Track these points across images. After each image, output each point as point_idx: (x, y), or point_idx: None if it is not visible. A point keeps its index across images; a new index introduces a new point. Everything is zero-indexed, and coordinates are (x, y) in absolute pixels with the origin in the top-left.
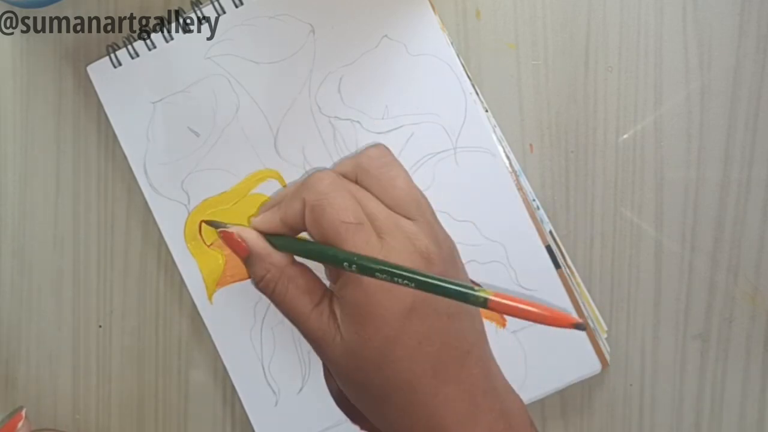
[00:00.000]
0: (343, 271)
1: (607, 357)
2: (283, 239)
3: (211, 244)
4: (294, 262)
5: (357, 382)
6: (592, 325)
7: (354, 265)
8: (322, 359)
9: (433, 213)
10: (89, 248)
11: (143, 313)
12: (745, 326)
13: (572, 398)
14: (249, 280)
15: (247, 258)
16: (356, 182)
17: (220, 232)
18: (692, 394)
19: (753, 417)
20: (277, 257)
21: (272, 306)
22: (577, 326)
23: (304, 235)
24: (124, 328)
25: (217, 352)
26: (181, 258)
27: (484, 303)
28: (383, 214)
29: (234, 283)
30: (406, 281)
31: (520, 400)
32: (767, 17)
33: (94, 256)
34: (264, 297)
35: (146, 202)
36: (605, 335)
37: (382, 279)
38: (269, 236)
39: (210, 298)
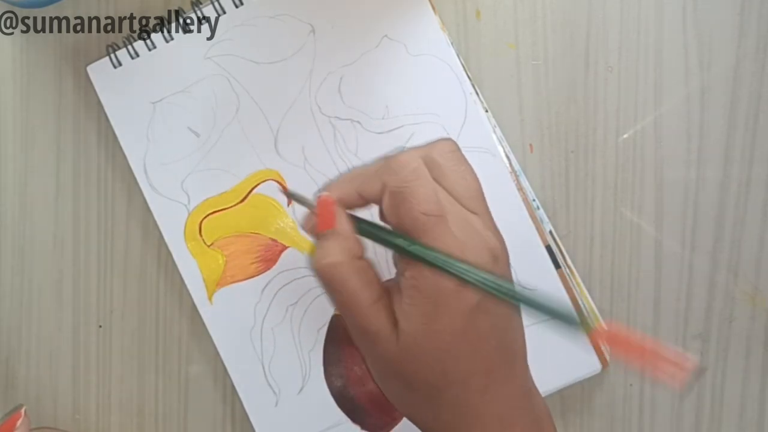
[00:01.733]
0: (415, 262)
1: (607, 357)
2: (366, 224)
3: (211, 244)
4: (364, 256)
5: (407, 378)
6: (592, 325)
7: (441, 265)
8: (369, 355)
9: (488, 207)
10: (89, 248)
11: (143, 313)
12: (745, 326)
13: (572, 398)
14: (249, 280)
15: (327, 233)
16: None
17: (320, 196)
18: (692, 394)
19: (753, 417)
20: (355, 245)
21: (272, 306)
22: (695, 374)
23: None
24: (124, 328)
25: (217, 352)
26: (181, 258)
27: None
28: (455, 209)
29: (234, 283)
30: (511, 299)
31: (548, 409)
32: (767, 17)
33: (94, 256)
34: (264, 297)
35: (146, 202)
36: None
37: (487, 292)
38: (355, 219)
39: (210, 298)
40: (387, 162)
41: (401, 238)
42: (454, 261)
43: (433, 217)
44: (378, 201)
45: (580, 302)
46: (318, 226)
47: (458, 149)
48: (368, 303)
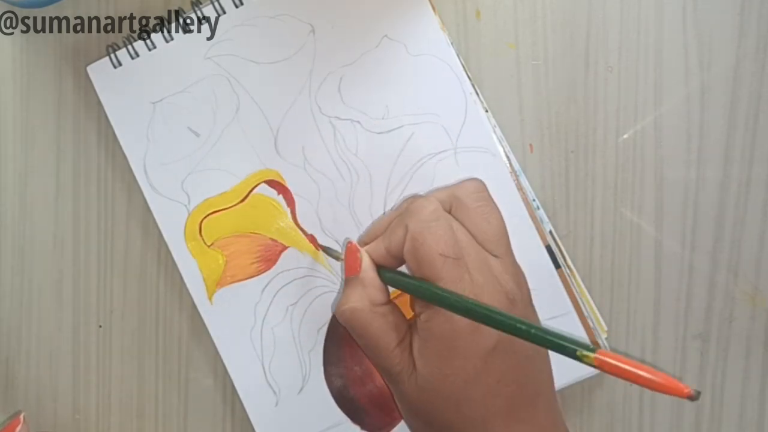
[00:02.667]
0: (431, 305)
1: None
2: (390, 273)
3: (212, 244)
4: (388, 302)
5: (428, 419)
6: (592, 324)
7: (452, 305)
8: (394, 392)
9: (512, 250)
10: (89, 248)
11: (143, 313)
12: (745, 326)
13: (572, 398)
14: (249, 280)
15: (351, 279)
16: (449, 212)
17: (348, 243)
18: None
19: (753, 417)
20: (377, 293)
21: (272, 306)
22: (691, 397)
23: None
24: (124, 328)
25: (217, 352)
26: (181, 258)
27: (590, 359)
28: (474, 250)
29: (234, 283)
30: (520, 334)
31: None
32: (767, 17)
33: (94, 256)
34: (264, 297)
35: (146, 202)
36: (605, 335)
37: (480, 322)
38: (379, 268)
39: (210, 298)
40: (407, 207)
41: (416, 280)
42: (467, 300)
43: (450, 259)
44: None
45: (580, 302)
46: (345, 272)
47: (485, 189)
48: (390, 346)
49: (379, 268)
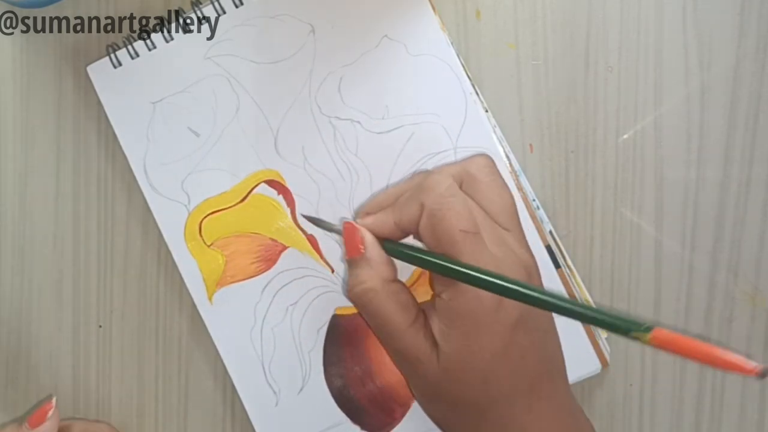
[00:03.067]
0: (455, 282)
1: (607, 357)
2: (394, 244)
3: (211, 244)
4: (396, 277)
5: (452, 399)
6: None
7: (480, 281)
8: (411, 377)
9: (521, 223)
10: (89, 248)
11: (143, 313)
12: (745, 326)
13: None
14: (249, 280)
15: (357, 259)
16: (460, 188)
17: (345, 223)
18: (692, 394)
19: (753, 417)
20: (386, 268)
21: (272, 306)
22: (760, 376)
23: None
24: (124, 328)
25: (217, 352)
26: (181, 258)
27: (646, 339)
28: (490, 226)
29: (234, 283)
30: (537, 303)
31: (593, 427)
32: (767, 17)
33: (94, 256)
34: (264, 297)
35: (146, 202)
36: (605, 335)
37: (508, 296)
38: (381, 240)
39: (210, 298)
40: (420, 183)
41: (441, 257)
42: (493, 276)
43: (470, 234)
44: (416, 227)
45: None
46: (347, 253)
47: (494, 164)
48: (405, 326)
49: (384, 242)
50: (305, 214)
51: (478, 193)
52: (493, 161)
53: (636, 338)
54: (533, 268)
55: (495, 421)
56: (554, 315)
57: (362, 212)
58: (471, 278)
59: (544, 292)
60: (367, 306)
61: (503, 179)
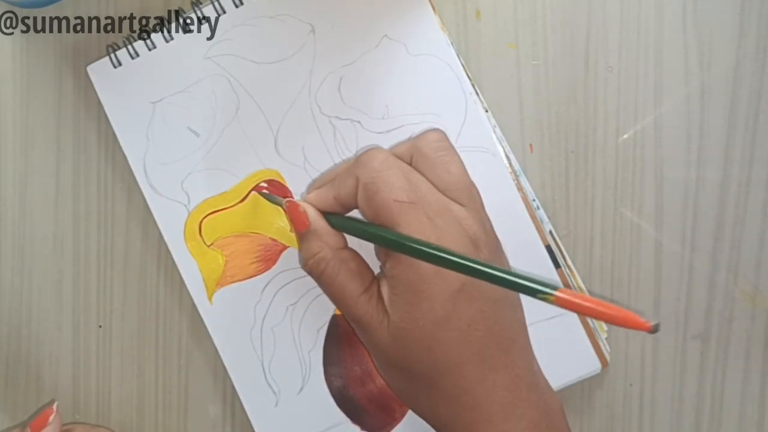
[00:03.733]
0: (395, 252)
1: (607, 357)
2: (338, 218)
3: (211, 244)
4: (347, 245)
5: (403, 368)
6: (592, 325)
7: (412, 251)
8: (367, 345)
9: (482, 205)
10: (89, 248)
11: (143, 313)
12: (745, 326)
13: (572, 398)
14: (249, 280)
15: (304, 233)
16: (410, 164)
17: (287, 201)
18: (692, 394)
19: (753, 417)
20: (334, 238)
21: (272, 306)
22: (651, 331)
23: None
24: (124, 328)
25: (217, 352)
26: (181, 258)
27: (551, 299)
28: (435, 197)
29: (234, 283)
30: (481, 275)
31: (560, 402)
32: (767, 17)
33: (94, 256)
34: (264, 297)
35: (146, 202)
36: (605, 335)
37: (442, 266)
38: (325, 214)
39: (210, 298)
40: (357, 158)
41: (375, 227)
42: (422, 243)
43: (405, 204)
44: (355, 201)
45: None
46: (294, 229)
47: (445, 139)
48: (358, 293)
49: (328, 215)
50: (263, 192)
51: (426, 168)
52: (444, 136)
53: (543, 299)
54: (482, 240)
55: (446, 390)
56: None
57: (309, 188)
58: (399, 246)
59: (471, 261)
60: (321, 276)
61: (455, 153)
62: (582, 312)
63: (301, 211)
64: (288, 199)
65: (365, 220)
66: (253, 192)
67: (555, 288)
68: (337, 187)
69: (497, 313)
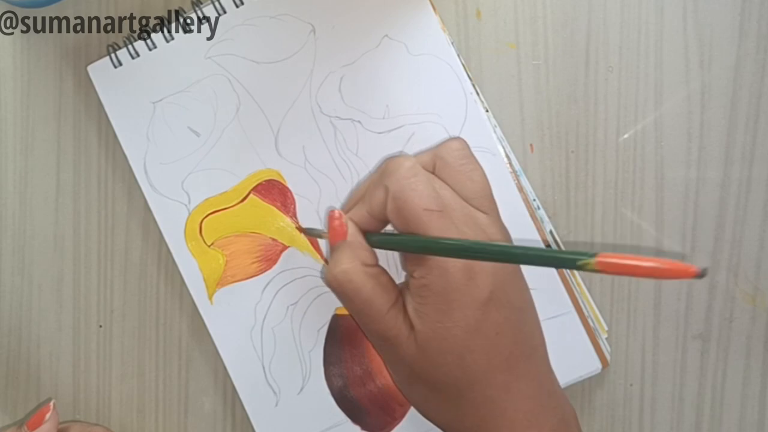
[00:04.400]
0: (425, 260)
1: (607, 357)
2: (374, 235)
3: (212, 244)
4: (378, 263)
5: (430, 380)
6: (592, 324)
7: (451, 250)
8: (390, 360)
9: (498, 210)
10: (89, 248)
11: (143, 313)
12: (745, 326)
13: (572, 398)
14: (249, 280)
15: (339, 244)
16: (434, 172)
17: (332, 212)
18: (692, 394)
19: (753, 417)
20: (367, 254)
21: (272, 306)
22: (699, 276)
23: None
24: (124, 328)
25: (217, 352)
26: (181, 258)
27: (593, 264)
28: (459, 205)
29: (234, 283)
30: (517, 259)
31: (574, 409)
32: (767, 17)
33: (94, 256)
34: (264, 297)
35: (146, 202)
36: (605, 335)
37: (482, 258)
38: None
39: (210, 298)
40: (383, 167)
41: (409, 236)
42: (458, 240)
43: (435, 212)
44: (386, 214)
45: (580, 302)
46: (330, 240)
47: (467, 147)
48: (384, 309)
49: (365, 234)
50: (304, 227)
51: (450, 176)
52: (466, 144)
53: (583, 267)
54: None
55: (474, 401)
56: (534, 297)
57: (344, 207)
58: (436, 247)
59: (506, 247)
60: (346, 288)
61: (477, 162)
62: (627, 272)
63: (342, 222)
64: (332, 209)
65: (398, 233)
66: (300, 231)
67: (594, 254)
68: (368, 202)
69: (522, 320)
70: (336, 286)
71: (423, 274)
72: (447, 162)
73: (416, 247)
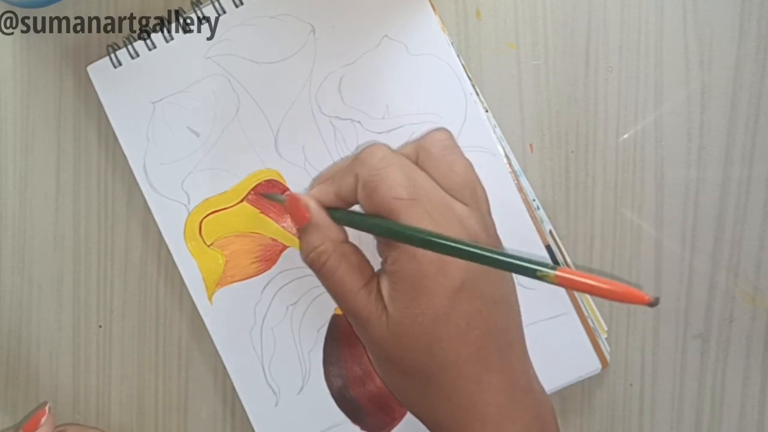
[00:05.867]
0: (396, 246)
1: (607, 357)
2: (339, 212)
3: (211, 244)
4: (347, 239)
5: (400, 364)
6: (592, 324)
7: (414, 239)
8: (364, 340)
9: (488, 207)
10: (89, 248)
11: (143, 313)
12: (745, 326)
13: (572, 398)
14: (249, 280)
15: (306, 226)
16: (416, 162)
17: (287, 194)
18: (692, 394)
19: (753, 417)
20: (335, 231)
21: (272, 306)
22: (651, 304)
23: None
24: (124, 328)
25: (217, 352)
26: (181, 258)
27: (551, 278)
28: (437, 195)
29: (234, 283)
30: (480, 259)
31: (553, 408)
32: (767, 17)
33: (94, 256)
34: (264, 297)
35: (146, 202)
36: (605, 335)
37: (442, 252)
38: (327, 209)
39: (210, 298)
40: (357, 155)
41: (376, 218)
42: (425, 231)
43: (405, 201)
44: (355, 198)
45: (580, 302)
46: (295, 223)
47: (450, 138)
48: (358, 287)
49: (329, 210)
50: (262, 193)
51: (431, 167)
52: (450, 135)
53: (542, 277)
54: (482, 241)
55: (442, 388)
56: (519, 294)
57: (311, 186)
58: (400, 235)
59: (471, 246)
60: (321, 269)
61: (460, 153)
62: (582, 289)
63: (301, 205)
64: (288, 192)
65: (366, 214)
66: (250, 196)
67: (555, 267)
68: (337, 184)
69: (496, 313)
70: (312, 266)
71: (394, 260)
72: (429, 152)
73: (380, 230)
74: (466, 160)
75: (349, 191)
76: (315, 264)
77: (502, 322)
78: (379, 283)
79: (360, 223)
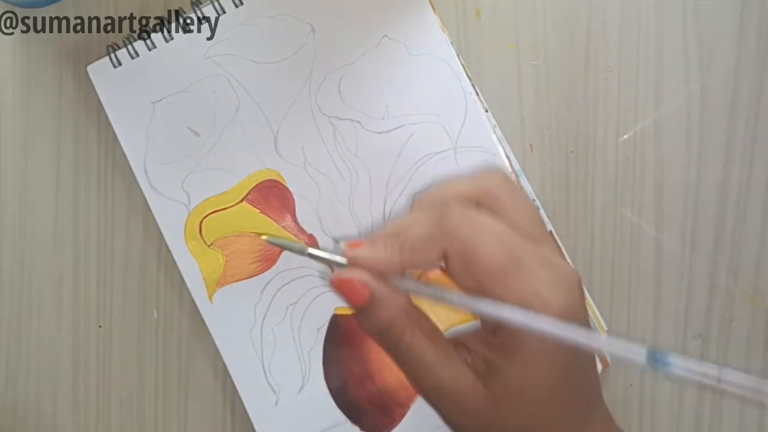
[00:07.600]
0: (502, 333)
1: (608, 357)
2: (414, 283)
3: (212, 244)
4: (411, 301)
5: (504, 430)
6: (592, 324)
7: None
8: (451, 415)
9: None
10: (89, 248)
11: (143, 313)
12: (745, 326)
13: None
14: (249, 280)
15: (365, 304)
16: (477, 205)
17: (334, 279)
18: (692, 394)
19: (753, 417)
20: (400, 297)
21: (272, 306)
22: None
23: None
24: (124, 328)
25: (217, 351)
26: (181, 258)
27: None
28: (527, 246)
29: (234, 282)
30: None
31: None
32: (767, 17)
33: (94, 256)
34: (264, 297)
35: (146, 202)
36: (605, 335)
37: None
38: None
39: (210, 298)
40: (439, 225)
41: (467, 297)
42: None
43: (510, 268)
44: (431, 269)
45: None
46: (350, 303)
47: (511, 177)
48: (438, 355)
49: (393, 279)
50: (270, 239)
51: (504, 211)
52: (506, 173)
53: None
54: (580, 279)
55: None
56: None
57: (351, 242)
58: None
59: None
60: (396, 345)
61: (523, 191)
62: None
63: (356, 283)
64: (335, 276)
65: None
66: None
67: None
68: (410, 255)
69: (591, 365)
70: (380, 343)
71: (513, 332)
72: (497, 196)
73: (480, 312)
74: (525, 192)
75: (428, 264)
76: (388, 340)
77: (594, 373)
78: (459, 345)
79: (438, 297)
